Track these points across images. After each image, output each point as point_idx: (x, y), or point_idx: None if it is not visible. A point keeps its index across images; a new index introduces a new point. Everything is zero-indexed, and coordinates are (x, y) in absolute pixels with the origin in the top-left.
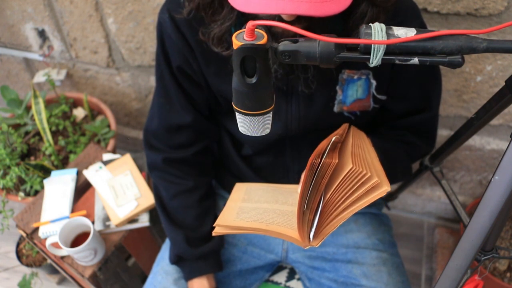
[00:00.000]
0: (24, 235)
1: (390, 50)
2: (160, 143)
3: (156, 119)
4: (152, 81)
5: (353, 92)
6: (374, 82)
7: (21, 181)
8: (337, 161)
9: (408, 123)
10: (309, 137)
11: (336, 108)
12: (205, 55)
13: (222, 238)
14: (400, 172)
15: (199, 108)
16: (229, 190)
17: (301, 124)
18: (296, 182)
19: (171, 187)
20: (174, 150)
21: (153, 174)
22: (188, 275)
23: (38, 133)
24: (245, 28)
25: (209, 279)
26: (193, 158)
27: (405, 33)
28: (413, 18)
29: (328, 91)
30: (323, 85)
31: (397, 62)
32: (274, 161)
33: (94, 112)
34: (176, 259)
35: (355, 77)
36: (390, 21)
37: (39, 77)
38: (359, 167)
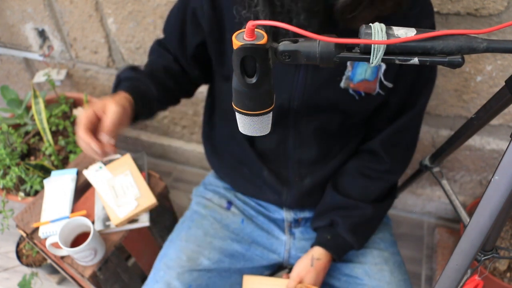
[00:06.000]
0: (24, 235)
1: (390, 50)
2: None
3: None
4: None
5: (362, 71)
6: (383, 65)
7: (21, 181)
8: None
9: (393, 131)
10: (311, 123)
11: (343, 84)
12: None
13: (153, 93)
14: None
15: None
16: (227, 181)
17: (306, 94)
18: (295, 172)
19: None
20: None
21: (150, 49)
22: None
23: (38, 133)
24: (245, 28)
25: (126, 97)
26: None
27: (405, 33)
28: (427, 15)
29: (338, 64)
30: None
31: (397, 62)
32: (276, 148)
33: None
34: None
35: None
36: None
37: (39, 77)
38: None
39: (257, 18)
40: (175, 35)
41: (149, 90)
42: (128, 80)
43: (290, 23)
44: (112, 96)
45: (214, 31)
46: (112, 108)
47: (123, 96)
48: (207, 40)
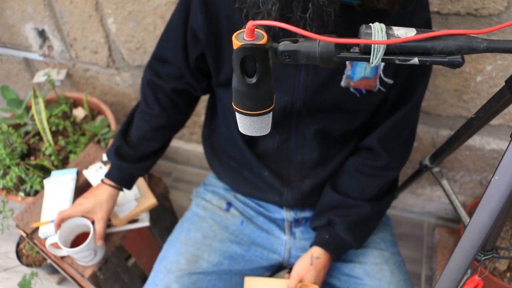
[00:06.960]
0: (24, 235)
1: (390, 50)
2: (150, 66)
3: (157, 45)
4: None
5: (362, 69)
6: (382, 63)
7: (21, 181)
8: None
9: (390, 126)
10: (314, 124)
11: (343, 83)
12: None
13: (144, 170)
14: (377, 221)
15: (188, 60)
16: (227, 183)
17: (307, 95)
18: (296, 172)
19: (143, 107)
20: (157, 77)
21: (141, 89)
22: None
23: (38, 133)
24: (245, 28)
25: (113, 190)
26: (170, 92)
27: (405, 33)
28: (423, 8)
29: (338, 64)
30: None
31: (397, 62)
32: (278, 148)
33: (94, 112)
34: (107, 154)
35: None
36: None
37: (39, 77)
38: None
39: (264, 4)
40: (180, 54)
41: (132, 173)
42: (115, 169)
43: (307, 5)
44: (101, 198)
45: (210, 40)
46: (100, 227)
47: (109, 196)
48: (205, 51)
